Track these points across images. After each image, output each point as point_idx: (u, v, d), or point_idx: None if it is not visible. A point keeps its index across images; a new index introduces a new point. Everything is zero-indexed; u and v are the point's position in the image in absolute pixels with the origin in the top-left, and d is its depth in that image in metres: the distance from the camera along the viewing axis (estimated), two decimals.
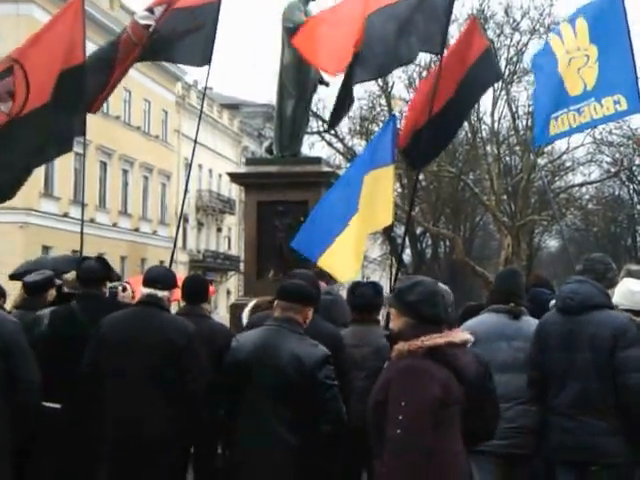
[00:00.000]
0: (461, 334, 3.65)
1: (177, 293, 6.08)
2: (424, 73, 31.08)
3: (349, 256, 6.89)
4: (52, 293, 6.11)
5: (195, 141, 9.57)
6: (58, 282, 6.16)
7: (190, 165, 9.54)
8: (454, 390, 3.50)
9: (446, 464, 3.49)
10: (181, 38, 8.17)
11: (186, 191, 10.19)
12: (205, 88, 9.63)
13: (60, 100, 7.42)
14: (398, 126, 8.17)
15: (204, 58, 8.28)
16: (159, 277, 5.14)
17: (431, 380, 3.45)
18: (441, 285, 4.51)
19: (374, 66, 7.80)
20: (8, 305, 6.30)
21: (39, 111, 7.36)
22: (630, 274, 5.71)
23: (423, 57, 30.01)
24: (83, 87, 7.58)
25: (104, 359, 4.91)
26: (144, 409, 4.78)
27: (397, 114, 28.91)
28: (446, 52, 8.17)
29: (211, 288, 7.28)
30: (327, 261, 6.92)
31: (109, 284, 5.98)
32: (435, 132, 7.70)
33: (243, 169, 13.36)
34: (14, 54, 7.50)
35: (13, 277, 7.00)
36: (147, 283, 5.08)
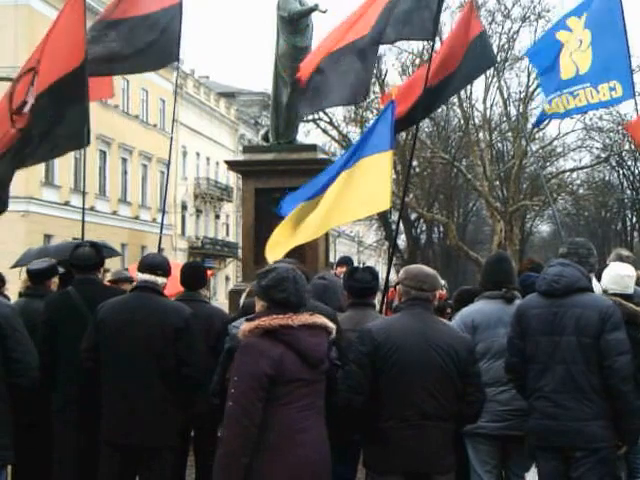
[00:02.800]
0: (305, 317, 3.78)
1: (175, 285, 6.26)
2: (417, 60, 31.46)
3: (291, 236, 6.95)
4: (55, 281, 6.20)
5: (173, 120, 9.60)
6: (61, 270, 6.25)
7: (170, 148, 9.65)
8: (290, 368, 3.67)
9: (282, 438, 3.65)
10: (147, 46, 8.29)
11: (167, 175, 10.03)
12: (176, 75, 9.77)
13: (61, 102, 7.57)
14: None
15: (171, 56, 8.48)
16: (158, 264, 5.19)
17: (260, 357, 3.64)
18: (426, 269, 4.60)
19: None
20: (11, 293, 6.37)
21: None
22: (621, 259, 5.92)
23: (416, 45, 30.26)
24: (86, 82, 7.71)
25: (103, 343, 4.96)
26: (143, 392, 4.83)
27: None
28: (445, 39, 8.21)
29: (209, 272, 7.60)
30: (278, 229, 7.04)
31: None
32: (420, 104, 7.82)
33: (240, 157, 13.33)
34: (31, 63, 7.63)
35: (15, 267, 7.15)
36: (145, 269, 5.12)
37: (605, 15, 8.16)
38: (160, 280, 5.10)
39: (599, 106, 9.20)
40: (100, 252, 5.80)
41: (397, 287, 4.69)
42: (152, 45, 8.33)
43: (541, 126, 32.77)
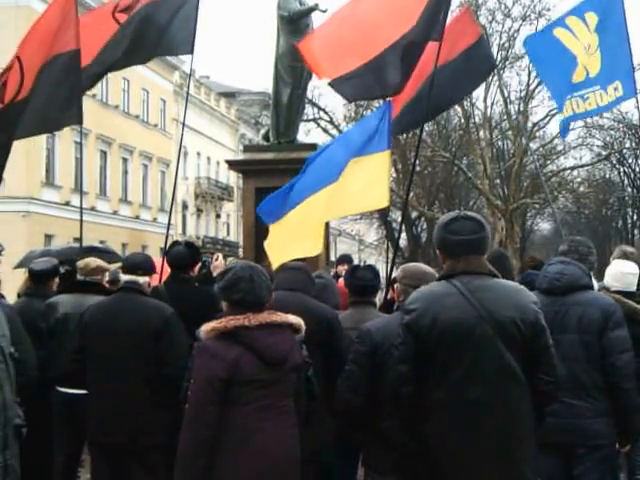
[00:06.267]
0: (263, 316, 3.76)
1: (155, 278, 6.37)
2: None
3: (297, 233, 6.91)
4: (55, 281, 6.27)
5: (183, 124, 9.51)
6: (62, 270, 6.37)
7: (179, 150, 9.61)
8: (247, 369, 3.65)
9: (239, 439, 3.64)
10: (162, 31, 8.21)
11: (176, 178, 9.90)
12: (190, 74, 9.70)
13: (52, 85, 7.57)
14: None
15: (187, 47, 8.30)
16: (141, 264, 5.23)
17: (213, 360, 3.64)
18: (424, 267, 4.62)
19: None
20: (10, 292, 6.38)
21: (29, 96, 7.52)
22: (625, 255, 5.85)
23: None
24: (79, 73, 7.67)
25: (88, 345, 5.01)
26: (127, 392, 4.84)
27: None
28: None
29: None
30: (276, 232, 6.97)
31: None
32: (413, 107, 7.80)
33: (241, 156, 13.39)
34: (17, 51, 7.68)
35: (19, 267, 7.19)
36: (128, 270, 5.17)
37: (610, 16, 8.16)
38: (141, 279, 5.12)
39: (607, 108, 9.16)
40: (195, 252, 6.01)
41: (395, 286, 4.69)
42: (162, 32, 8.27)
43: (541, 124, 32.92)
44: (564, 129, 9.29)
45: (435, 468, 3.54)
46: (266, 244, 7.11)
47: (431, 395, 3.52)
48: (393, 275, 7.52)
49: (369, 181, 6.85)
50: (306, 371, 4.11)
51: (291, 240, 6.95)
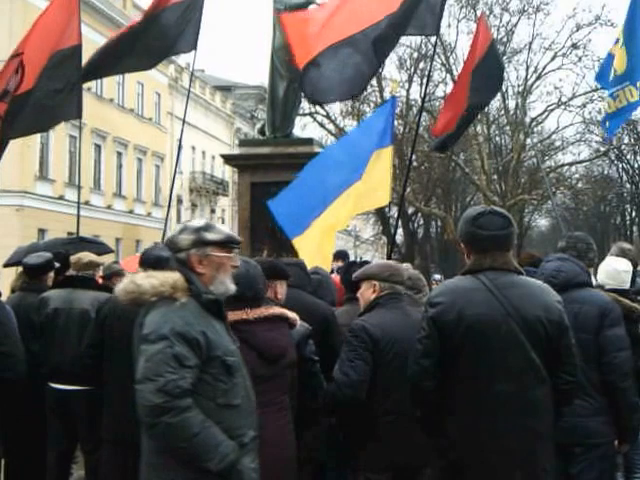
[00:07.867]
0: (261, 310, 3.74)
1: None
2: (415, 54, 31.38)
3: (321, 244, 6.90)
4: (50, 276, 6.20)
5: (183, 121, 9.52)
6: (56, 265, 6.25)
7: (179, 145, 9.60)
8: (246, 365, 3.51)
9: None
10: (169, 32, 8.32)
11: (175, 174, 9.87)
12: (192, 72, 9.65)
13: (53, 79, 7.61)
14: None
15: (192, 44, 8.41)
16: (160, 260, 5.08)
17: None
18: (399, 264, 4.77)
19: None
20: (5, 289, 6.34)
21: (31, 91, 7.54)
22: (623, 252, 5.84)
23: (414, 39, 30.23)
24: (79, 69, 7.72)
25: (106, 341, 4.93)
26: None
27: (389, 95, 29.36)
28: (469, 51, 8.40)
29: None
30: (301, 244, 6.93)
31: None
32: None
33: (236, 150, 13.39)
34: (19, 47, 7.72)
35: (8, 266, 7.09)
36: (147, 265, 5.05)
37: (633, 14, 8.23)
38: None
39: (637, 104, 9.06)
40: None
41: (367, 282, 4.67)
42: (168, 35, 8.31)
43: (539, 120, 32.81)
44: (609, 128, 9.21)
45: (456, 464, 3.49)
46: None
47: (455, 391, 3.51)
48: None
49: (374, 180, 6.91)
50: (311, 366, 4.11)
51: (318, 250, 6.94)
